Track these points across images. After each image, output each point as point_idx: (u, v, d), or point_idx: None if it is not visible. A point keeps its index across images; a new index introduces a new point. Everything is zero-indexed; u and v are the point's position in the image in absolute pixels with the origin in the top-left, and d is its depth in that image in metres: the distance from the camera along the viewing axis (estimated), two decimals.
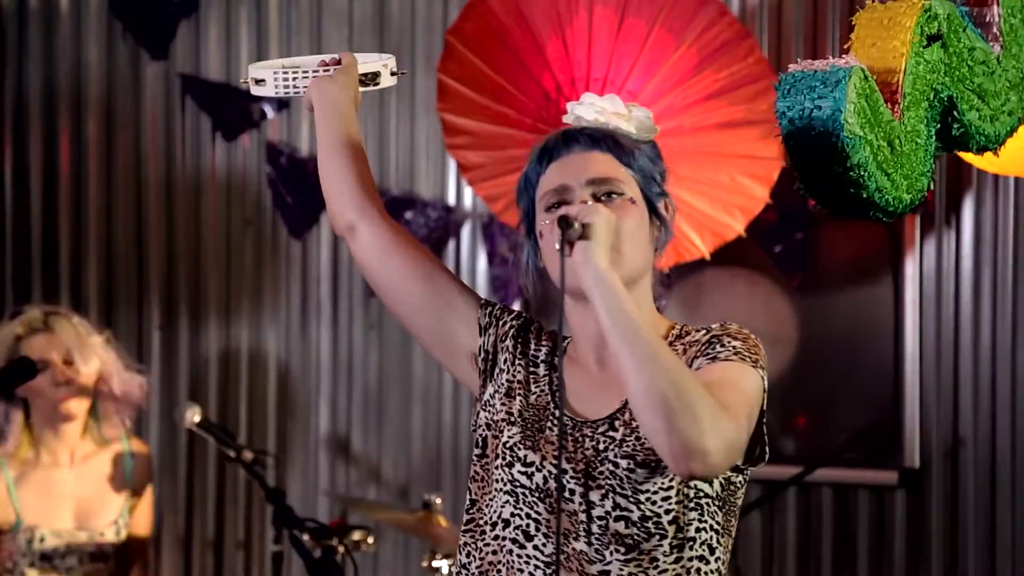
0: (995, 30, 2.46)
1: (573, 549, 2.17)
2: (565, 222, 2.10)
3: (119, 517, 3.84)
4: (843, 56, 2.26)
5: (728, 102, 3.97)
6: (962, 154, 2.70)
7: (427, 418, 5.11)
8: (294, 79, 2.47)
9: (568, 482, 2.17)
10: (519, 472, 2.20)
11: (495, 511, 2.23)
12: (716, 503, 2.20)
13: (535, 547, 2.19)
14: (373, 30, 5.11)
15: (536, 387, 2.29)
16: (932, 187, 2.42)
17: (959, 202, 4.51)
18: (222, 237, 5.19)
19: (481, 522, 2.26)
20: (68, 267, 5.23)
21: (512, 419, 2.25)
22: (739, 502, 2.25)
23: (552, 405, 2.26)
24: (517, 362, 2.31)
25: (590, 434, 2.20)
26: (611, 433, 2.19)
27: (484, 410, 2.31)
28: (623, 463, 2.15)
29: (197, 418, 3.91)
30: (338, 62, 2.46)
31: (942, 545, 4.52)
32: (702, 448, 1.97)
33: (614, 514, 2.15)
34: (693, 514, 2.17)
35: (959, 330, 4.51)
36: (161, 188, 5.22)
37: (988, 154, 2.52)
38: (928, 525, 4.54)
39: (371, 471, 5.13)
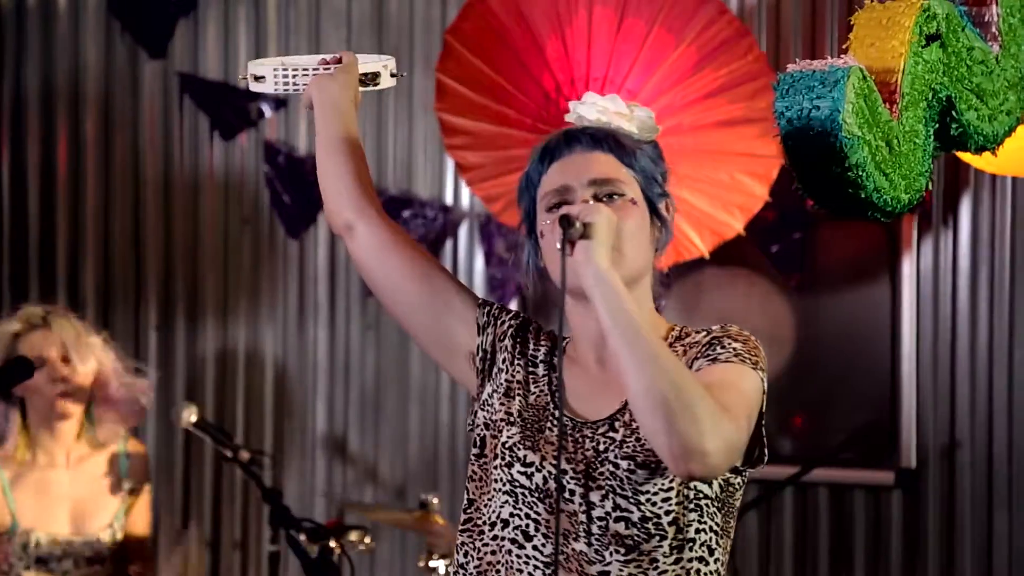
0: (994, 30, 2.46)
1: (573, 550, 2.17)
2: (567, 221, 2.10)
3: (114, 520, 3.83)
4: (841, 56, 2.26)
5: (728, 100, 3.97)
6: (960, 154, 2.70)
7: (424, 418, 5.11)
8: (294, 76, 2.47)
9: (568, 483, 2.17)
10: (518, 472, 2.20)
11: (494, 511, 2.23)
12: (715, 504, 2.20)
13: (534, 547, 2.19)
14: (371, 29, 5.11)
15: (535, 387, 2.29)
16: (930, 187, 2.42)
17: (956, 202, 4.51)
18: (220, 236, 5.19)
19: (479, 522, 2.26)
20: (65, 266, 5.23)
21: (511, 419, 2.25)
22: (737, 503, 2.25)
23: (552, 405, 2.26)
24: (516, 362, 2.31)
25: (590, 435, 2.20)
26: (611, 434, 2.19)
27: (482, 410, 2.30)
28: (623, 464, 2.15)
29: (194, 418, 3.91)
30: (339, 61, 2.46)
31: (938, 545, 4.52)
32: (702, 449, 1.98)
33: (614, 515, 2.15)
34: (693, 515, 2.18)
35: (956, 330, 4.51)
36: (159, 187, 5.22)
37: (986, 154, 2.52)
38: (924, 525, 4.54)
39: (368, 471, 5.13)
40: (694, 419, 1.98)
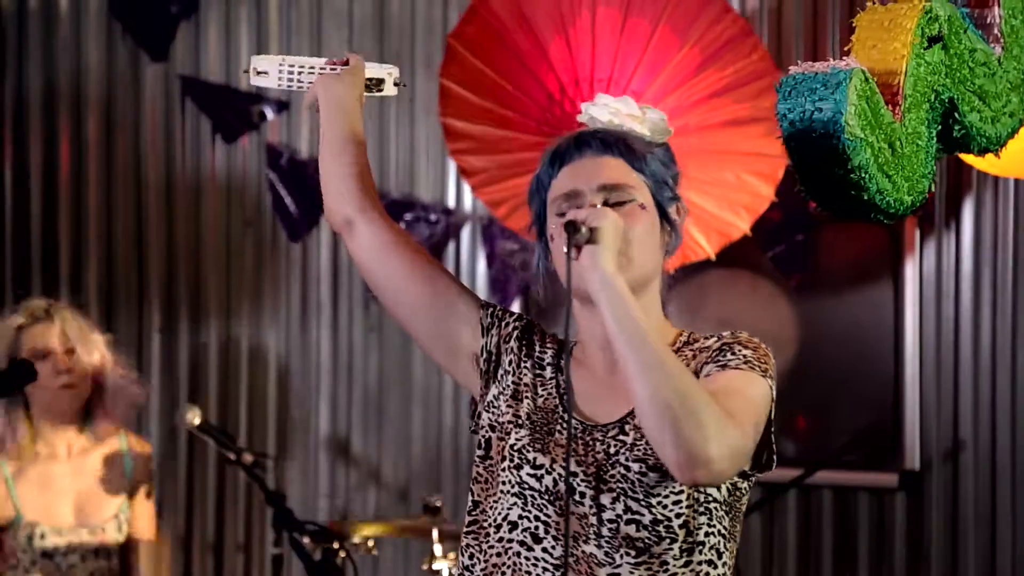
0: (996, 31, 2.45)
1: (583, 552, 2.17)
2: (572, 227, 2.11)
3: (119, 512, 3.83)
4: (844, 58, 2.25)
5: (733, 99, 3.97)
6: (963, 156, 2.69)
7: (427, 420, 5.11)
8: (299, 74, 2.47)
9: (579, 485, 2.17)
10: (528, 475, 2.20)
11: (501, 513, 2.23)
12: (723, 508, 2.20)
13: (544, 549, 2.19)
14: (373, 31, 5.11)
15: (543, 390, 2.29)
16: (933, 189, 2.42)
17: (959, 204, 4.51)
18: (222, 238, 5.19)
19: (485, 524, 2.26)
20: (68, 268, 5.23)
21: (520, 422, 2.25)
22: (743, 507, 2.26)
23: (560, 408, 2.26)
24: (523, 364, 2.31)
25: (600, 438, 2.20)
26: (622, 437, 2.19)
27: (487, 411, 2.30)
28: (635, 467, 2.15)
29: (197, 420, 3.90)
30: (345, 63, 2.46)
31: (942, 547, 4.51)
32: (706, 456, 1.98)
33: (625, 517, 2.15)
34: (703, 518, 2.18)
35: (959, 332, 4.51)
36: (161, 189, 5.22)
37: (989, 156, 2.51)
38: (928, 527, 4.53)
39: (371, 473, 5.13)
40: (699, 425, 1.98)
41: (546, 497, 2.19)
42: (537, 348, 2.33)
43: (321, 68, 2.46)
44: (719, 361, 2.18)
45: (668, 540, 2.15)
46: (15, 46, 5.25)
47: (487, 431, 2.29)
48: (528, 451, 2.21)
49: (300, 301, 5.16)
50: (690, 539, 2.16)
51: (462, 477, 4.96)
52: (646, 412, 2.02)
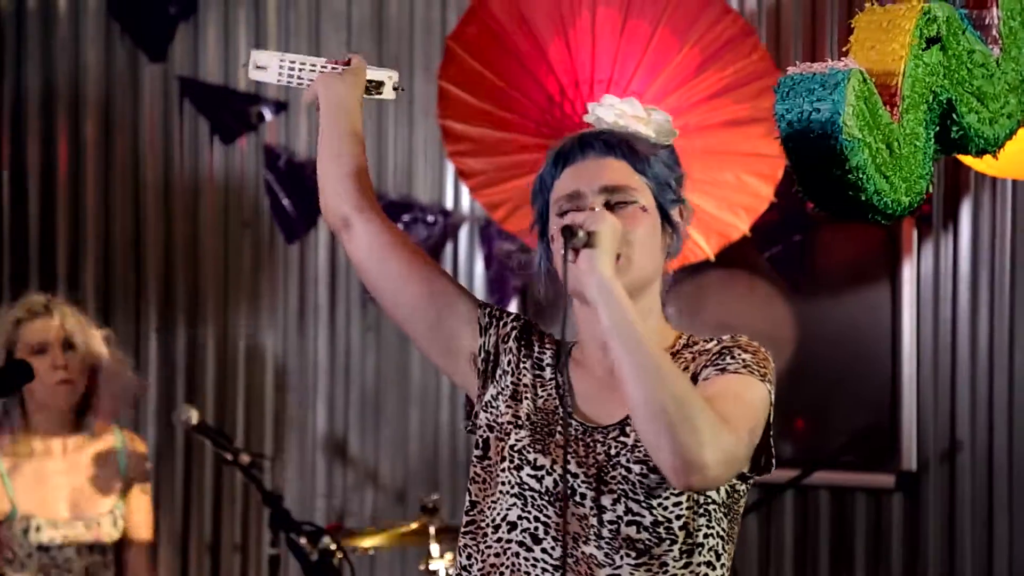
0: (994, 32, 2.46)
1: (583, 553, 2.17)
2: (569, 231, 2.11)
3: (115, 507, 3.83)
4: (842, 59, 2.25)
5: (733, 100, 3.96)
6: (961, 157, 2.70)
7: (424, 420, 5.11)
8: (300, 71, 2.47)
9: (579, 486, 2.17)
10: (528, 475, 2.20)
11: (499, 513, 2.23)
12: (722, 510, 2.21)
13: (543, 550, 2.19)
14: (371, 32, 5.11)
15: (543, 390, 2.29)
16: (931, 190, 2.42)
17: (957, 205, 4.51)
18: (220, 239, 5.19)
19: (483, 524, 2.26)
20: (65, 268, 5.23)
21: (519, 422, 2.25)
22: (741, 509, 2.26)
23: (560, 409, 2.26)
24: (522, 365, 2.31)
25: (601, 439, 2.20)
26: (622, 438, 2.19)
27: (485, 411, 2.30)
28: (635, 468, 2.15)
29: (194, 420, 3.90)
30: (347, 63, 2.46)
31: (939, 548, 4.52)
32: (701, 461, 1.98)
33: (626, 519, 2.15)
34: (702, 520, 2.18)
35: (956, 333, 4.51)
36: (159, 190, 5.21)
37: (987, 157, 2.51)
38: (925, 528, 4.54)
39: (368, 473, 5.13)
40: (693, 430, 1.98)
41: (546, 498, 2.19)
42: (536, 348, 2.33)
43: (322, 67, 2.46)
44: (718, 365, 2.18)
45: (668, 541, 2.15)
46: (13, 46, 5.25)
47: (485, 431, 2.29)
48: (528, 452, 2.21)
49: (298, 302, 5.16)
50: (690, 540, 2.17)
51: (460, 477, 4.95)
52: (641, 416, 2.02)
